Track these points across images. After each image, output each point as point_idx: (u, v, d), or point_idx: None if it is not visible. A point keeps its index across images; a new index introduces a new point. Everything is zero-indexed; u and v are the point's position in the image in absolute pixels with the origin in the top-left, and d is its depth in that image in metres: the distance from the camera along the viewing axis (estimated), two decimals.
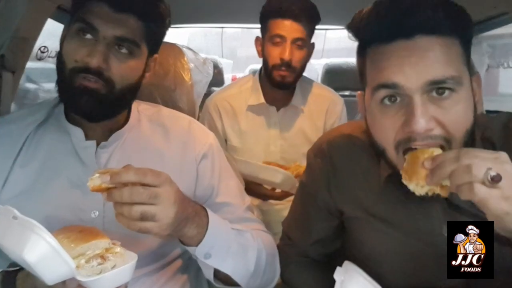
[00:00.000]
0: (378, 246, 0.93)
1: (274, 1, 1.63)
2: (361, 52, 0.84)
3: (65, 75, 0.90)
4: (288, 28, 1.61)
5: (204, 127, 1.12)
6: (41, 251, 0.66)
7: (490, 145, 0.86)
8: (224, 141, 1.81)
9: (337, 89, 1.98)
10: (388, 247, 0.92)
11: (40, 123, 0.98)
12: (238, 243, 0.91)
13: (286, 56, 1.63)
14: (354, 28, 0.84)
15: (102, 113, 0.94)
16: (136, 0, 0.91)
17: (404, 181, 0.74)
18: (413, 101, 0.74)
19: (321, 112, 1.82)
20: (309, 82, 1.85)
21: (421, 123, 0.73)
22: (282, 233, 1.13)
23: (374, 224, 0.93)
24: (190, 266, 1.05)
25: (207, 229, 0.84)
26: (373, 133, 0.84)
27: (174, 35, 4.11)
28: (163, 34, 1.03)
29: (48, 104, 1.02)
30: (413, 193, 0.80)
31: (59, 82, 0.93)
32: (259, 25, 1.72)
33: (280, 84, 1.69)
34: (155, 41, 1.00)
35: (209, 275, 0.92)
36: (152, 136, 1.03)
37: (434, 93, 0.75)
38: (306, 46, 1.67)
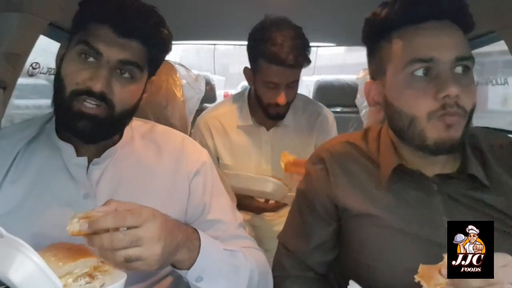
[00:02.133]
0: (381, 242, 0.94)
1: (267, 44, 1.56)
2: (383, 38, 0.93)
3: (65, 96, 0.89)
4: (283, 75, 1.58)
5: (197, 144, 1.12)
6: (27, 271, 0.65)
7: (479, 153, 0.94)
8: (217, 159, 1.80)
9: (328, 105, 1.99)
10: (391, 242, 0.93)
11: (31, 139, 0.97)
12: (230, 264, 0.90)
13: (282, 101, 1.62)
14: (378, 16, 0.92)
15: (100, 135, 0.93)
16: (140, 25, 0.92)
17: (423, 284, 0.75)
18: (445, 72, 0.85)
19: (311, 128, 1.82)
20: (299, 98, 1.85)
21: (455, 88, 0.83)
22: (278, 246, 1.12)
23: (378, 219, 0.94)
24: (180, 284, 1.04)
25: (198, 252, 0.83)
26: (400, 106, 0.90)
27: None
28: (164, 57, 1.03)
29: (39, 120, 1.01)
30: (415, 187, 0.93)
31: (57, 103, 0.92)
32: None
33: (276, 117, 1.71)
34: (155, 65, 1.01)
35: None
36: (145, 153, 1.02)
37: (456, 69, 0.86)
38: (298, 81, 1.68)
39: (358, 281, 0.84)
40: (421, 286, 0.73)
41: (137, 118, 1.11)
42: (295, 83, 1.64)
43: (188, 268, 0.82)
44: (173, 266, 0.83)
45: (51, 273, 0.67)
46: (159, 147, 1.04)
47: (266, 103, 1.66)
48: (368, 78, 1.52)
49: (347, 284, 0.84)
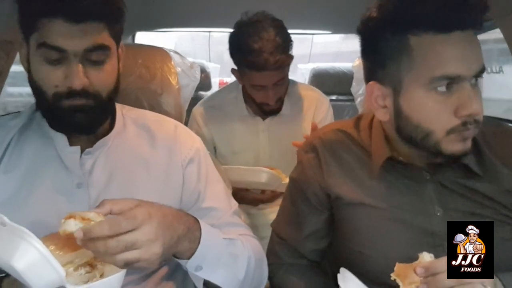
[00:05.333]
0: (374, 231, 0.94)
1: (245, 52, 1.53)
2: (394, 37, 0.85)
3: (48, 99, 0.88)
4: (267, 78, 1.57)
5: (190, 131, 1.11)
6: (30, 258, 0.65)
7: (473, 141, 0.91)
8: (213, 149, 1.80)
9: (324, 93, 1.99)
10: (383, 231, 0.94)
11: (22, 128, 0.97)
12: (228, 253, 0.90)
13: (272, 101, 1.64)
14: (392, 12, 0.85)
15: (96, 123, 0.93)
16: (92, 5, 0.85)
17: (399, 283, 0.77)
18: (467, 88, 0.82)
19: (307, 114, 1.82)
20: (294, 84, 1.84)
21: (478, 106, 0.82)
22: (271, 234, 1.13)
23: (370, 208, 0.95)
24: (177, 272, 1.04)
25: (199, 242, 0.83)
26: (416, 119, 0.86)
27: (161, 39, 4.09)
28: (123, 21, 0.97)
29: (28, 109, 1.00)
30: (407, 176, 0.93)
31: (42, 105, 0.91)
32: None
33: (271, 113, 1.72)
34: (119, 32, 0.97)
35: (198, 283, 0.91)
36: (138, 141, 1.02)
37: (473, 81, 0.83)
38: (287, 75, 1.67)
39: (351, 269, 0.85)
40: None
41: (130, 107, 1.10)
42: (282, 80, 1.63)
43: (188, 258, 0.83)
44: (174, 256, 0.83)
45: (54, 261, 0.67)
46: (152, 135, 1.03)
47: (258, 102, 1.68)
48: None
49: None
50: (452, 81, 0.82)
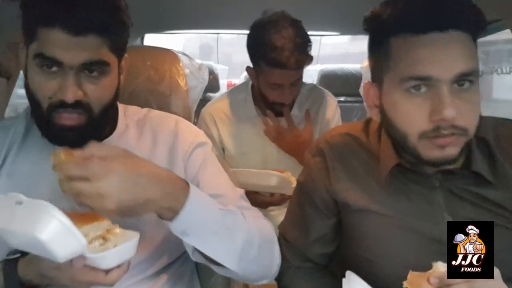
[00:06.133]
0: (381, 237, 0.93)
1: (267, 48, 1.54)
2: (382, 42, 0.86)
3: (43, 111, 0.87)
4: (286, 76, 1.58)
5: (192, 126, 1.10)
6: (53, 228, 0.67)
7: (485, 145, 0.90)
8: (222, 150, 1.80)
9: (332, 95, 1.98)
10: (391, 238, 0.92)
11: (25, 131, 0.97)
12: (223, 224, 0.85)
13: (287, 101, 1.65)
14: (376, 18, 0.85)
15: (87, 139, 0.88)
16: (93, 17, 0.83)
17: None
18: (442, 91, 0.78)
19: (315, 115, 1.82)
20: (303, 85, 1.84)
21: (450, 112, 0.77)
22: (279, 236, 1.11)
23: (378, 215, 0.93)
24: (184, 273, 1.04)
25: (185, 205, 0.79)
26: (393, 120, 0.86)
27: (169, 41, 4.11)
28: (128, 36, 0.96)
29: (24, 113, 1.00)
30: (415, 182, 0.90)
31: (37, 116, 0.90)
32: None
33: (282, 113, 1.71)
34: (122, 48, 0.94)
35: (191, 254, 0.89)
36: (140, 142, 1.01)
37: (456, 85, 0.79)
38: (302, 76, 1.68)
39: (358, 273, 0.84)
40: None
41: (132, 106, 1.10)
42: (298, 80, 1.64)
43: (171, 220, 0.79)
44: (158, 216, 0.80)
45: (75, 230, 0.69)
46: (154, 133, 1.03)
47: (271, 101, 1.67)
48: None
49: None
50: (425, 83, 0.80)
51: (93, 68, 0.86)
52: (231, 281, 1.19)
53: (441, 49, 0.79)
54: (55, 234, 0.67)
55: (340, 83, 2.75)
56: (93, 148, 0.74)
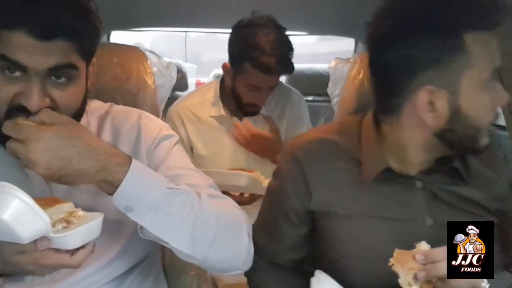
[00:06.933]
0: (361, 242, 0.93)
1: (256, 51, 1.54)
2: (452, 37, 0.80)
3: (1, 115, 0.80)
4: (268, 81, 1.61)
5: (155, 119, 1.05)
6: (16, 208, 0.67)
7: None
8: (190, 150, 1.79)
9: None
10: (372, 241, 0.92)
11: None
12: (169, 201, 0.81)
13: (262, 104, 1.68)
14: (447, 12, 0.80)
15: None
16: (62, 20, 0.77)
17: (395, 268, 0.77)
18: None
19: (282, 112, 1.85)
20: None
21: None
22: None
23: (359, 219, 0.93)
24: (150, 273, 1.03)
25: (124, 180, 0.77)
26: (470, 115, 0.83)
27: (137, 38, 4.04)
28: (98, 41, 0.91)
29: None
30: (399, 184, 0.91)
31: None
32: (224, 30, 1.71)
33: (252, 114, 1.73)
34: (91, 52, 0.89)
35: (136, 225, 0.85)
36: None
37: None
38: None
39: (332, 276, 0.85)
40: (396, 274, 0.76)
41: (96, 100, 1.06)
42: (276, 85, 1.68)
43: (111, 194, 0.78)
44: (99, 188, 0.80)
45: (38, 209, 0.69)
46: (116, 130, 0.99)
47: (245, 102, 1.68)
48: (339, 67, 1.50)
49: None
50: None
51: (60, 73, 0.81)
52: (200, 280, 1.18)
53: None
54: (18, 213, 0.67)
55: (308, 82, 2.77)
56: (42, 114, 0.75)
